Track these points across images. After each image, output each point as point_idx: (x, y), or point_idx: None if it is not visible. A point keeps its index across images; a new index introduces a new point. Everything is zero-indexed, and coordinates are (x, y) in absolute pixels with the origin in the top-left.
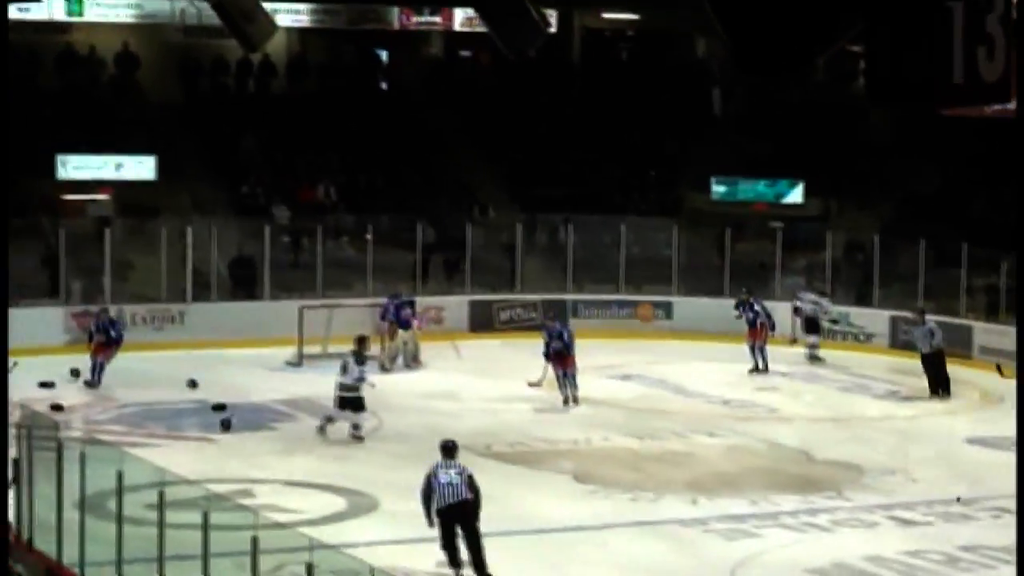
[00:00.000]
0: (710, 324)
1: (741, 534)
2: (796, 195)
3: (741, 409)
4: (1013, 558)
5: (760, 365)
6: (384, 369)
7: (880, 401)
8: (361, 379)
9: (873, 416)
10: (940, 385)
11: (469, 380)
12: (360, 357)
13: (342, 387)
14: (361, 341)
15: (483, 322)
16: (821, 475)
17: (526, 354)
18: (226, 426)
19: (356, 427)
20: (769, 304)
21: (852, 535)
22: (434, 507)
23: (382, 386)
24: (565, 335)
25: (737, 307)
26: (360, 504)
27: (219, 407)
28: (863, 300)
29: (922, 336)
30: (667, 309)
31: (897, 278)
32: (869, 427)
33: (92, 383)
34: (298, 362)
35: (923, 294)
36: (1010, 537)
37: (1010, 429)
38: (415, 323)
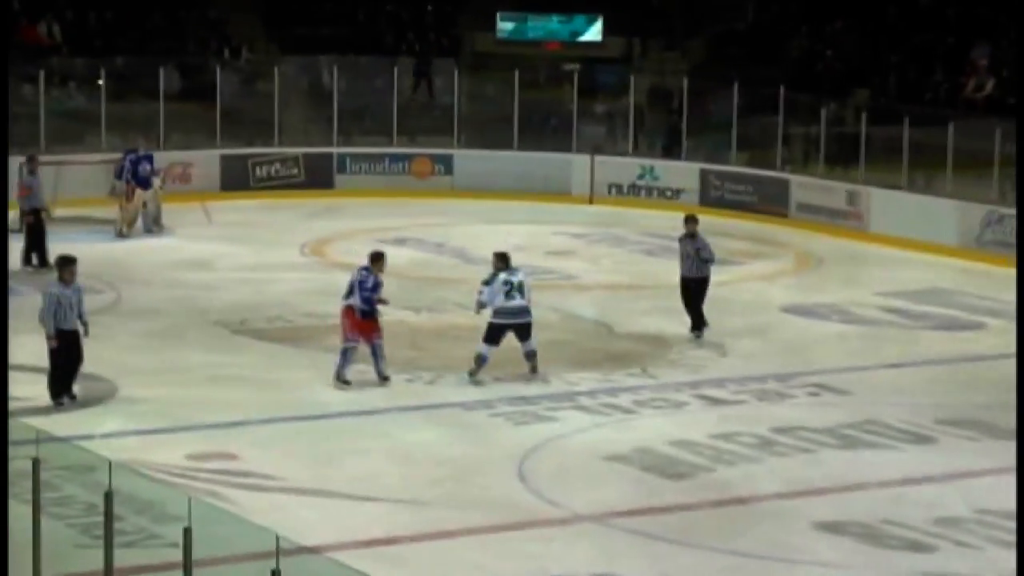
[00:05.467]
0: (496, 181)
1: (533, 418)
2: (594, 33)
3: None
4: (833, 440)
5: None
6: (121, 235)
7: None
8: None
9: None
10: (699, 319)
11: (222, 247)
12: None
13: None
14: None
15: (237, 180)
16: (623, 350)
17: (287, 216)
18: None
19: None
20: (566, 157)
21: (657, 417)
22: None
23: (121, 255)
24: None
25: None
26: (96, 390)
27: None
28: (670, 152)
29: (695, 253)
30: (447, 164)
31: (708, 127)
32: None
33: None
34: (17, 228)
35: (736, 144)
36: (830, 417)
37: (829, 296)
38: (155, 181)
